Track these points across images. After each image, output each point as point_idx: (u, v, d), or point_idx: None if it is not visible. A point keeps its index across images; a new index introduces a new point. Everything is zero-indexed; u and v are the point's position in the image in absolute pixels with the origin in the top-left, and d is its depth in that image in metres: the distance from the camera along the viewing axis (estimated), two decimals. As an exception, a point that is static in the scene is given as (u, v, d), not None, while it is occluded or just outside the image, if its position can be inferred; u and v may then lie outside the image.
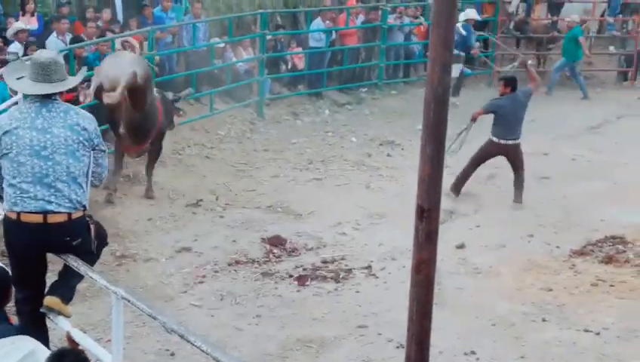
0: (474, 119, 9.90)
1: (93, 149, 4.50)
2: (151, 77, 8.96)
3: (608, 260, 8.07)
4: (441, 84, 2.32)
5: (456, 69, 14.34)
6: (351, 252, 8.40)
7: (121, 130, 8.41)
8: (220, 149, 11.71)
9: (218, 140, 12.05)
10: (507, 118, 9.64)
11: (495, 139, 9.74)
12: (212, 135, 12.14)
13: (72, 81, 4.72)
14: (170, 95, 9.80)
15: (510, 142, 9.69)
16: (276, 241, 8.57)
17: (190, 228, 8.90)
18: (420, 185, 2.42)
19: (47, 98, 4.43)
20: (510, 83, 9.85)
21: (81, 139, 4.40)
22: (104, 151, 4.65)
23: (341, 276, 7.80)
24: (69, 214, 4.37)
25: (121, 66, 8.21)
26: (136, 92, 8.20)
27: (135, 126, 8.53)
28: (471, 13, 14.76)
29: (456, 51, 14.33)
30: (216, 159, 11.27)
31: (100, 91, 8.27)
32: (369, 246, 8.54)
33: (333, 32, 14.69)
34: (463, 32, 14.31)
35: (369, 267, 8.00)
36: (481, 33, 16.06)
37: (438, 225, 2.41)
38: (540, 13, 16.65)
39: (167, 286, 7.56)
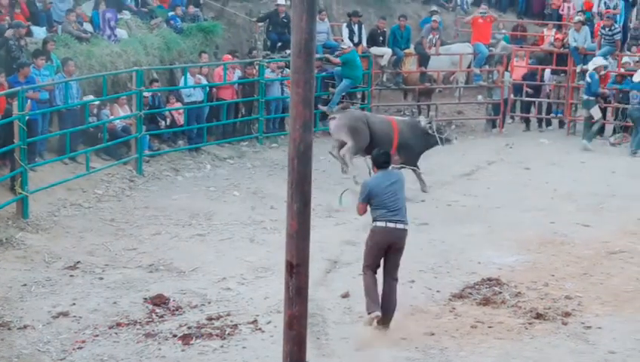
0: None
1: None
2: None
3: (486, 302, 8.34)
4: (303, 141, 2.35)
5: (597, 112, 15.57)
6: (236, 307, 8.31)
7: None
8: (98, 208, 11.42)
9: (96, 199, 11.75)
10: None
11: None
12: (89, 194, 11.83)
13: None
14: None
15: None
16: (159, 300, 8.38)
17: (68, 292, 8.58)
18: (288, 241, 2.43)
19: None
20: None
21: None
22: None
23: (227, 332, 7.69)
24: None
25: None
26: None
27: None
28: (598, 61, 15.82)
29: (585, 96, 15.68)
30: (94, 219, 10.97)
31: None
32: (255, 301, 8.47)
33: (208, 86, 14.72)
34: (589, 80, 15.54)
35: (255, 321, 7.92)
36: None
37: (308, 279, 2.41)
38: (410, 65, 17.26)
39: (44, 354, 7.23)
